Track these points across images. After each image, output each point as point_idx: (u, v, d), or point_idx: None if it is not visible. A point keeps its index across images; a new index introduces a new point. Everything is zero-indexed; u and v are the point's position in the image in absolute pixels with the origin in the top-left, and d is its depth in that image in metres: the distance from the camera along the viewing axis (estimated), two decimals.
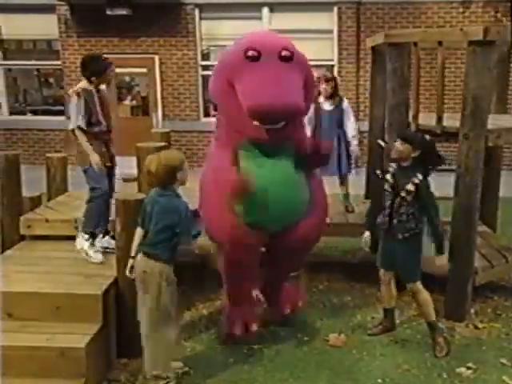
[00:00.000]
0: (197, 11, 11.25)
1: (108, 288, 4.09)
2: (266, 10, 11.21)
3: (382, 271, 4.60)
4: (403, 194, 4.19)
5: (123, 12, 10.69)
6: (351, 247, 6.79)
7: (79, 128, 4.52)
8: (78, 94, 4.52)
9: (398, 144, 4.22)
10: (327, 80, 5.84)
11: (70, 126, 4.57)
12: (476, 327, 4.80)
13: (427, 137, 4.35)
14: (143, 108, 11.88)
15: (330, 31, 11.25)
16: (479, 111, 4.56)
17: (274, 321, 4.74)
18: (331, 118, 5.84)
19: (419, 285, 4.39)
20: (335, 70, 11.27)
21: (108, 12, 10.70)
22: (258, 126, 3.76)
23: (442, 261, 4.34)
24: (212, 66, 11.49)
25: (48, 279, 4.21)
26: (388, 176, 4.32)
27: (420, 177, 4.16)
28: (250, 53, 3.74)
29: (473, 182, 4.70)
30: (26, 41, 12.02)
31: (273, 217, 4.11)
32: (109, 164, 4.77)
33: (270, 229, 4.19)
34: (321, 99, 5.88)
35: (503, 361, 4.29)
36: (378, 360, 4.32)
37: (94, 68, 4.62)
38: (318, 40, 11.37)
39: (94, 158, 4.55)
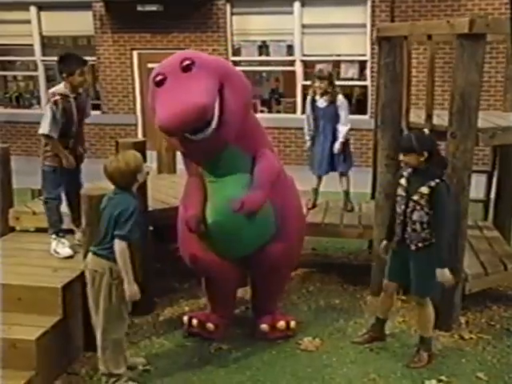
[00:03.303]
0: (228, 6, 11.22)
1: (71, 281, 4.12)
2: (297, 5, 11.03)
3: (386, 282, 4.34)
4: (416, 197, 3.93)
5: (153, 8, 10.82)
6: (357, 248, 6.60)
7: (47, 136, 4.55)
8: (56, 103, 4.50)
9: (402, 157, 3.98)
10: (320, 78, 5.72)
11: (40, 131, 4.57)
12: (462, 338, 4.54)
13: (426, 131, 4.29)
14: None
15: (364, 25, 10.93)
16: (467, 109, 4.28)
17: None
18: (325, 114, 5.74)
19: (428, 299, 4.14)
20: (368, 65, 10.97)
21: (139, 8, 10.86)
22: (182, 140, 3.85)
23: (444, 275, 3.93)
24: (243, 61, 11.57)
25: (16, 271, 4.29)
26: (402, 180, 4.07)
27: (437, 180, 3.89)
28: (158, 78, 3.82)
29: (460, 185, 4.42)
30: (65, 37, 12.29)
31: (225, 247, 4.19)
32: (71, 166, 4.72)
33: (229, 256, 4.24)
34: (316, 96, 5.76)
35: (480, 375, 4.03)
36: (346, 367, 4.16)
37: (65, 65, 4.59)
38: (350, 35, 11.12)
39: (69, 161, 4.63)
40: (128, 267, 3.55)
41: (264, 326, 4.48)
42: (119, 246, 3.54)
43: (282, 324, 4.51)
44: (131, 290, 3.58)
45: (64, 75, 4.58)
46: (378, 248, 4.52)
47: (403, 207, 4.02)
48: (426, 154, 3.91)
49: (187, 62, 3.77)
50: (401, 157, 4.01)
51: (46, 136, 4.56)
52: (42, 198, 4.79)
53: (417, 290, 4.13)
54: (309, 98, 5.88)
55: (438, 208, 3.90)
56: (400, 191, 4.07)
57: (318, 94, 5.70)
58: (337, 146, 5.71)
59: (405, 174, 4.08)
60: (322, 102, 5.70)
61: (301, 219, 4.63)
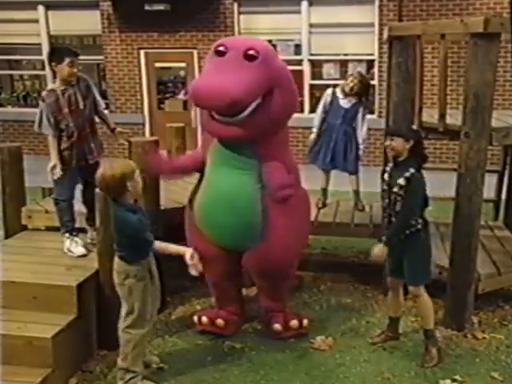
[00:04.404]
0: (235, 5, 11.21)
1: (86, 280, 4.14)
2: (305, 4, 11.01)
3: (389, 278, 4.38)
4: (396, 189, 4.02)
5: (161, 7, 10.82)
6: (367, 248, 6.54)
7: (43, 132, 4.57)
8: (43, 99, 4.51)
9: (389, 141, 4.07)
10: (361, 82, 5.69)
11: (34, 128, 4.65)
12: (475, 337, 4.53)
13: (414, 127, 4.37)
14: None
15: (371, 25, 10.91)
16: (481, 108, 4.27)
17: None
18: (346, 115, 5.72)
19: (422, 289, 4.16)
20: (376, 64, 10.96)
21: (147, 7, 10.87)
22: (214, 120, 3.94)
23: (379, 250, 4.03)
24: None
25: (31, 269, 4.31)
26: (385, 175, 4.18)
27: (412, 170, 3.98)
28: (219, 48, 3.91)
29: (473, 184, 4.42)
30: (72, 36, 12.27)
31: (216, 232, 4.24)
32: (81, 163, 4.70)
33: (221, 244, 4.26)
34: (340, 94, 5.73)
35: (495, 375, 4.03)
36: (359, 366, 4.16)
37: (55, 55, 4.56)
38: (358, 34, 11.06)
39: (50, 166, 4.55)
40: (169, 248, 3.74)
41: (277, 326, 4.48)
42: (153, 250, 3.70)
43: (294, 323, 4.51)
44: (183, 252, 3.67)
45: (53, 64, 4.52)
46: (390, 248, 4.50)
47: (387, 201, 4.13)
48: (411, 142, 4.01)
49: (252, 53, 3.83)
50: (387, 142, 4.09)
51: (42, 132, 4.59)
52: (53, 198, 4.78)
53: (410, 278, 4.16)
54: (329, 91, 5.80)
55: (409, 194, 3.98)
56: (384, 186, 4.18)
57: (345, 92, 5.64)
58: (361, 147, 5.75)
59: (387, 169, 4.18)
60: (345, 102, 5.67)
61: (289, 226, 4.20)
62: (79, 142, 4.65)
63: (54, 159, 4.56)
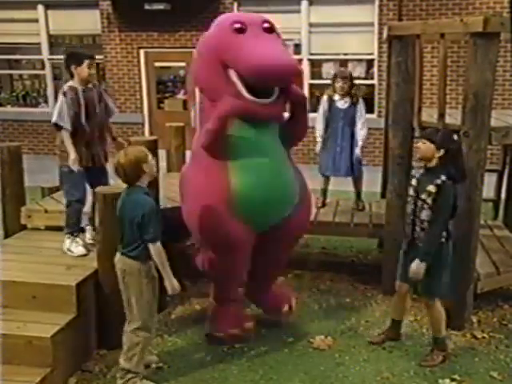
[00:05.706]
0: (235, 5, 11.22)
1: (85, 279, 4.14)
2: (305, 3, 11.01)
3: (398, 282, 4.31)
4: (424, 196, 3.92)
5: (161, 7, 10.82)
6: (367, 247, 6.60)
7: (57, 126, 4.56)
8: (64, 94, 4.55)
9: (420, 143, 3.98)
10: (343, 77, 5.68)
11: (52, 120, 4.61)
12: (474, 337, 4.54)
13: (455, 136, 4.10)
14: None
15: (371, 24, 10.91)
16: (480, 108, 4.27)
17: (273, 320, 4.64)
18: (345, 116, 5.69)
19: (437, 300, 4.11)
20: (375, 64, 10.96)
21: (146, 7, 10.87)
22: (253, 101, 3.78)
23: (418, 268, 3.89)
24: None
25: (30, 268, 4.31)
26: (413, 181, 4.07)
27: (443, 178, 3.86)
28: (237, 25, 3.81)
29: (473, 184, 4.42)
30: (72, 35, 12.25)
31: (261, 215, 4.08)
32: (89, 164, 4.74)
33: (258, 226, 4.14)
34: (336, 96, 5.72)
35: (494, 374, 4.03)
36: (358, 366, 4.16)
37: (73, 58, 4.65)
38: (358, 33, 11.08)
39: (72, 158, 4.54)
40: (165, 265, 3.65)
41: (286, 309, 4.61)
42: (152, 248, 3.61)
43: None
44: (171, 285, 3.68)
45: (73, 67, 4.61)
46: (390, 247, 4.51)
47: (412, 207, 4.04)
48: (442, 151, 3.89)
49: (269, 25, 3.89)
50: (418, 143, 3.99)
51: (55, 125, 4.57)
52: (65, 200, 4.78)
53: (425, 289, 4.11)
54: (325, 97, 5.79)
55: (439, 206, 3.88)
56: (410, 192, 4.09)
57: (339, 94, 5.64)
58: (358, 152, 5.68)
59: (416, 175, 4.09)
60: (342, 103, 5.65)
61: (310, 195, 4.55)
62: (88, 144, 4.69)
63: (73, 153, 4.55)
